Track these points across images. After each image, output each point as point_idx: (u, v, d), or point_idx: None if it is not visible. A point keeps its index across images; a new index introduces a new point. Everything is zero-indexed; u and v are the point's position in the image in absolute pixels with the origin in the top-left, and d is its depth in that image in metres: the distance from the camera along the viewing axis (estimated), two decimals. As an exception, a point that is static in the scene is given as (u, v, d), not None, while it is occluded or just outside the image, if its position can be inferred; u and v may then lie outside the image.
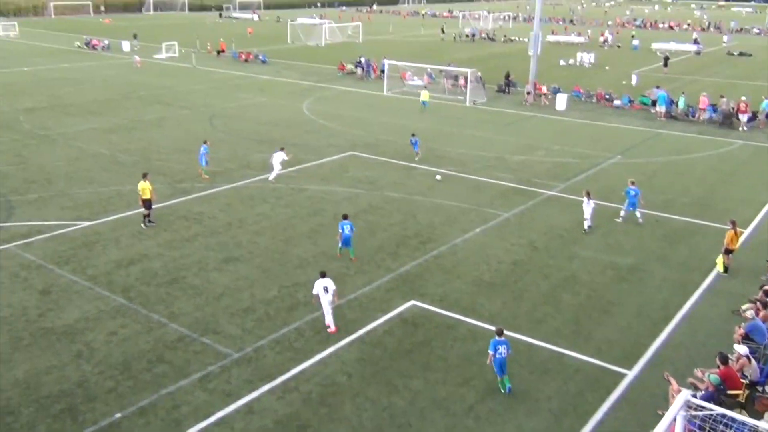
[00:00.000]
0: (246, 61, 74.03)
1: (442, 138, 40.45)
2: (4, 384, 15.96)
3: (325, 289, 18.36)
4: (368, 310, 19.89)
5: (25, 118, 43.89)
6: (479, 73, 56.54)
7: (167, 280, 21.55)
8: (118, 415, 15.00)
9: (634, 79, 61.54)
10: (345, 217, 23.15)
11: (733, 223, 22.98)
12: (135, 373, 16.58)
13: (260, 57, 73.91)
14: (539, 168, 34.57)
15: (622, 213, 27.27)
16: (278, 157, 31.33)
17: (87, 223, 26.05)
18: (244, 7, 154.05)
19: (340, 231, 22.77)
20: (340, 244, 22.99)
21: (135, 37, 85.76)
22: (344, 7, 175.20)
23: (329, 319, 18.65)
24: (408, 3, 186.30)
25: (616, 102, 52.15)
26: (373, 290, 21.16)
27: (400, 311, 19.89)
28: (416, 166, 34.29)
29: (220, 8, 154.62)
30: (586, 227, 26.17)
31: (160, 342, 17.95)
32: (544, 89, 53.18)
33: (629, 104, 51.63)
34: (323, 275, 18.66)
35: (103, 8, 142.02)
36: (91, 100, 50.28)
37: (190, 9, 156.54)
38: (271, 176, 31.55)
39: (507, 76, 57.54)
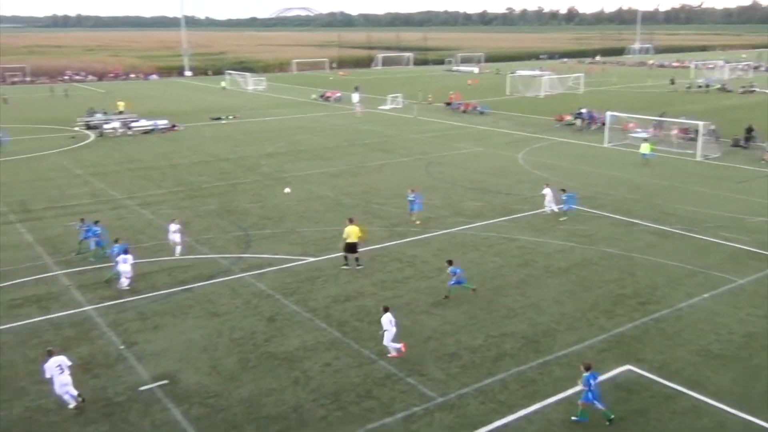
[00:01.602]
0: (464, 112, 75.86)
1: (668, 193, 37.91)
2: (232, 401, 17.54)
3: (391, 323, 19.58)
4: (579, 370, 18.93)
5: (266, 161, 48.85)
6: (713, 126, 52.39)
7: (379, 318, 22.36)
8: (327, 443, 15.74)
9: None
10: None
11: None
12: (344, 404, 17.32)
13: (479, 108, 75.38)
14: (783, 231, 30.89)
15: None
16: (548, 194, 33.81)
17: (311, 259, 28.08)
18: (466, 61, 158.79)
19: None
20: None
21: (356, 89, 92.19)
22: (565, 59, 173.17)
23: (396, 346, 19.56)
24: (633, 53, 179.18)
25: None
26: (584, 349, 20.15)
27: (613, 375, 18.68)
28: (637, 221, 32.42)
29: (441, 62, 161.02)
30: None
31: (369, 377, 18.61)
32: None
33: None
34: (386, 310, 19.84)
35: (334, 64, 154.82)
36: (322, 147, 54.62)
37: (415, 63, 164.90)
38: (548, 210, 33.87)
39: (749, 130, 52.67)
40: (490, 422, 16.48)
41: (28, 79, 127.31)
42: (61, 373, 16.96)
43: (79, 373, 18.73)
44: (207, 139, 59.34)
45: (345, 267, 26.76)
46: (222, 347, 20.42)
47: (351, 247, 26.77)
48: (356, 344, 20.58)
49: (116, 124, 63.25)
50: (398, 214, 34.20)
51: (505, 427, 16.31)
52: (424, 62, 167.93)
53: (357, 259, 26.92)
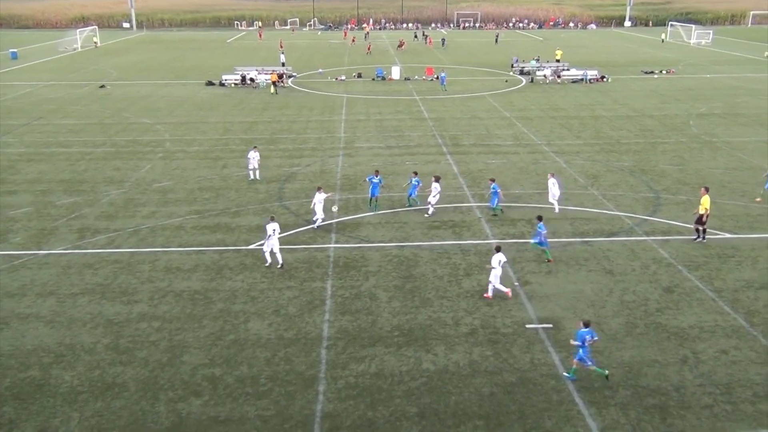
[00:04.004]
0: None
1: None
2: (612, 361, 17.21)
3: (500, 263, 20.28)
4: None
5: (695, 122, 45.04)
6: None
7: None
8: (706, 434, 14.46)
9: None
10: (586, 324, 16.51)
11: None
12: (736, 400, 15.58)
13: None
14: None
15: None
16: None
17: (727, 235, 25.35)
18: None
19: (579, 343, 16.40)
20: None
21: None
22: None
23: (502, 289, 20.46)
24: None
25: None
26: None
27: None
28: None
29: None
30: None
31: (773, 379, 16.33)
32: None
33: None
34: (498, 249, 20.49)
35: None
36: (766, 112, 47.86)
37: None
38: None
39: None
40: None
41: (477, 24, 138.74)
42: (272, 236, 22.30)
43: (475, 298, 20.56)
44: (634, 93, 57.13)
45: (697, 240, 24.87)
46: (610, 306, 20.06)
47: (700, 219, 24.47)
48: (764, 339, 18.14)
49: (547, 72, 65.09)
50: None
51: None
52: None
53: (704, 232, 24.69)
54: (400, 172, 33.55)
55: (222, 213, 28.27)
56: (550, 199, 28.03)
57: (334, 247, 24.62)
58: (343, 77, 66.92)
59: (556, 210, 27.76)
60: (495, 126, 44.51)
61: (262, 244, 23.22)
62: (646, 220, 27.03)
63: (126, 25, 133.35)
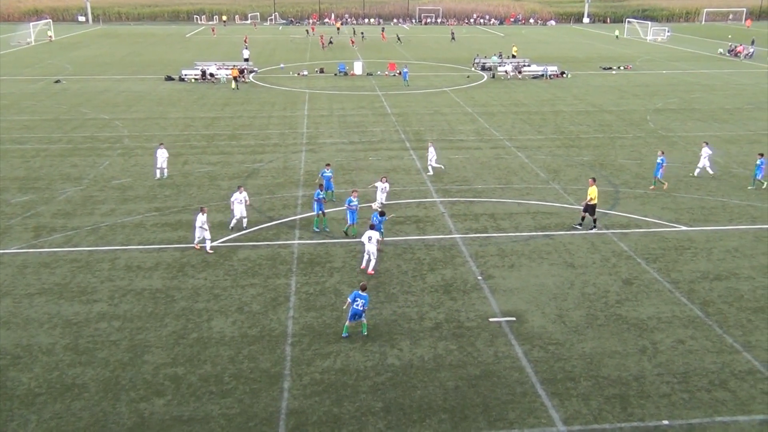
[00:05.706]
0: None
1: None
2: (573, 353, 17.51)
3: (369, 239, 21.71)
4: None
5: (652, 117, 45.98)
6: None
7: (753, 306, 19.87)
8: (666, 422, 14.80)
9: None
10: (363, 288, 18.46)
11: None
12: (693, 388, 15.99)
13: None
14: None
15: None
16: None
17: (683, 228, 25.97)
18: None
19: (349, 301, 18.44)
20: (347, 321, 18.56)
21: (752, 43, 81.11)
22: None
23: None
24: None
25: None
26: None
27: None
28: None
29: None
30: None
31: (728, 367, 16.79)
32: None
33: None
34: (372, 227, 22.25)
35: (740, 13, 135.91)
36: (719, 108, 49.18)
37: None
38: None
39: None
40: None
41: (439, 20, 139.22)
42: (201, 215, 23.29)
43: (439, 292, 20.68)
44: (593, 88, 58.07)
45: (578, 226, 25.89)
46: (572, 299, 20.39)
47: (590, 208, 25.42)
48: (719, 328, 18.65)
49: (508, 68, 65.72)
50: (801, 194, 29.36)
51: None
52: None
53: (595, 221, 25.72)
54: (364, 168, 33.52)
55: (183, 210, 27.89)
56: (430, 164, 32.69)
57: (298, 244, 24.50)
58: (305, 72, 66.54)
59: (431, 172, 32.56)
60: (457, 121, 44.77)
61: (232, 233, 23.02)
62: (606, 213, 27.50)
63: (81, 18, 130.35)
